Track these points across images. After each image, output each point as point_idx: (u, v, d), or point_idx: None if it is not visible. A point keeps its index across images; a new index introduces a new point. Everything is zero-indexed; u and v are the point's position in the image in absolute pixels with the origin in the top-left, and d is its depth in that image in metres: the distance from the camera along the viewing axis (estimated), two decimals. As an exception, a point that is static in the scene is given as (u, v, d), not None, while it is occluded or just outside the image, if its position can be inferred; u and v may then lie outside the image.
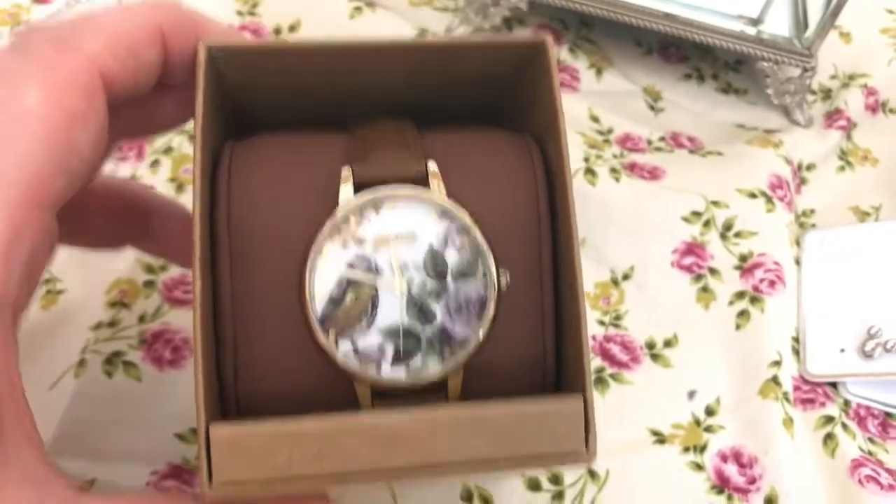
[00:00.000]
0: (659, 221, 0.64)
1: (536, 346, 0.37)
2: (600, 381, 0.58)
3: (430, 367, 0.35)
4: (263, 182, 0.37)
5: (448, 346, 0.35)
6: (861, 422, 0.58)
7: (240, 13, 0.75)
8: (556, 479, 0.53)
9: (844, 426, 0.57)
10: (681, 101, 0.74)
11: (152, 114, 0.41)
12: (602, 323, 0.60)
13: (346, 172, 0.35)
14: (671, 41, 0.76)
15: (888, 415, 0.59)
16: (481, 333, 0.34)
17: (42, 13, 0.71)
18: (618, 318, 0.61)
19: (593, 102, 0.72)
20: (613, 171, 0.65)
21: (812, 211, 0.69)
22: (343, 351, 0.34)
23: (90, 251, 0.49)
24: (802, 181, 0.70)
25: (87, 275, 0.57)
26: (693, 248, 0.63)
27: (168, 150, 0.64)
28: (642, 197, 0.65)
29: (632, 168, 0.67)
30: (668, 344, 0.60)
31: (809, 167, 0.71)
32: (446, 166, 0.36)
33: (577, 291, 0.35)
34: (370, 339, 0.34)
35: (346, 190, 0.35)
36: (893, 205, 0.70)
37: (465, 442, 0.33)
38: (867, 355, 0.59)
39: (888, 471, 0.55)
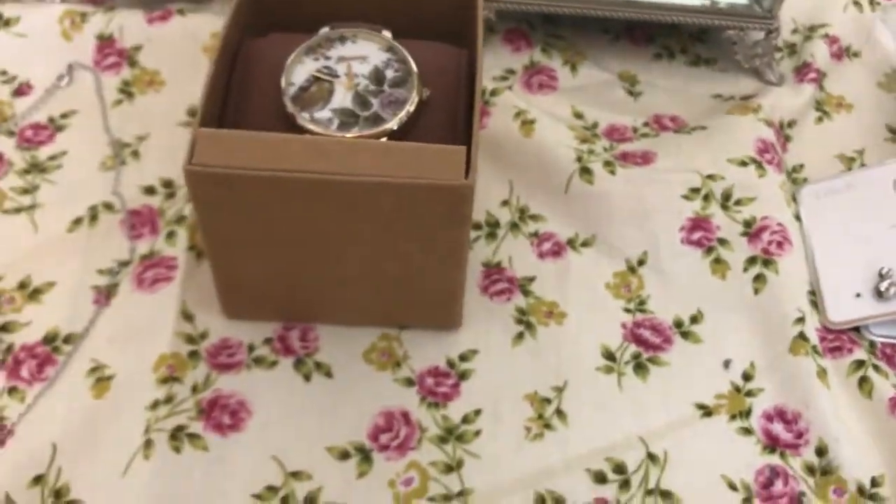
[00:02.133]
0: (661, 204, 0.67)
1: (449, 136, 0.54)
2: (640, 367, 0.60)
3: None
4: (269, 42, 0.58)
5: (378, 125, 0.53)
6: (889, 360, 0.61)
7: None
8: (619, 469, 0.56)
9: (876, 367, 0.60)
10: (656, 82, 0.77)
11: None
12: (628, 310, 0.63)
13: (326, 28, 0.57)
14: (636, 23, 0.79)
15: (913, 349, 0.62)
16: (399, 119, 0.53)
17: (24, 105, 0.71)
18: (642, 303, 0.63)
19: (574, 99, 0.74)
20: (607, 164, 0.68)
21: (801, 166, 0.72)
22: (302, 117, 0.53)
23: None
24: (787, 139, 0.73)
25: (131, 357, 0.59)
26: (699, 223, 0.66)
27: (181, 220, 0.65)
28: (640, 184, 0.67)
29: (624, 157, 0.69)
30: (694, 320, 0.62)
31: (791, 124, 0.74)
32: (404, 44, 0.57)
33: (475, 110, 0.52)
34: (323, 114, 0.54)
35: (324, 29, 0.57)
36: (875, 144, 0.73)
37: (377, 162, 0.49)
38: (882, 296, 0.62)
39: (924, 402, 0.58)
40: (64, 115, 0.71)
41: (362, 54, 0.56)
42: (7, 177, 0.67)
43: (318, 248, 0.54)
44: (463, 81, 0.57)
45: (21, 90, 0.73)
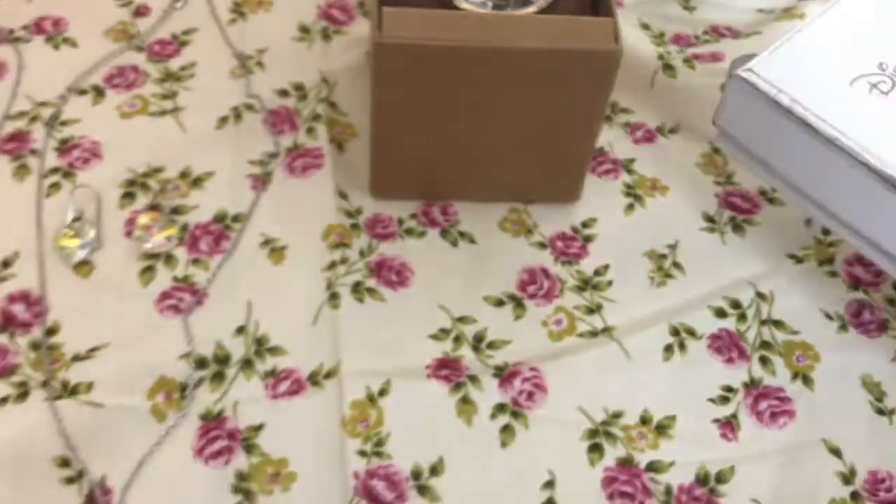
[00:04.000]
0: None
1: (586, 11, 0.62)
2: (737, 227, 0.70)
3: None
4: None
5: (526, 6, 0.60)
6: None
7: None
8: (735, 305, 0.65)
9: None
10: (706, -1, 0.87)
11: None
12: (718, 183, 0.72)
13: None
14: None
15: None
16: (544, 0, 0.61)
17: (146, 24, 0.77)
18: (728, 177, 0.73)
19: (640, 13, 0.83)
20: (686, 61, 0.77)
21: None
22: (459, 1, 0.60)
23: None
24: (826, 43, 0.83)
25: (298, 230, 0.66)
26: (769, 110, 0.76)
27: (316, 117, 0.72)
28: (716, 77, 0.76)
29: (696, 58, 0.78)
30: (775, 190, 0.72)
31: (828, 31, 0.84)
32: None
33: None
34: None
35: None
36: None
37: (537, 32, 0.57)
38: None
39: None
40: (185, 33, 0.77)
41: None
42: (145, 85, 0.73)
43: (475, 117, 0.62)
44: None
45: (140, 12, 0.78)
